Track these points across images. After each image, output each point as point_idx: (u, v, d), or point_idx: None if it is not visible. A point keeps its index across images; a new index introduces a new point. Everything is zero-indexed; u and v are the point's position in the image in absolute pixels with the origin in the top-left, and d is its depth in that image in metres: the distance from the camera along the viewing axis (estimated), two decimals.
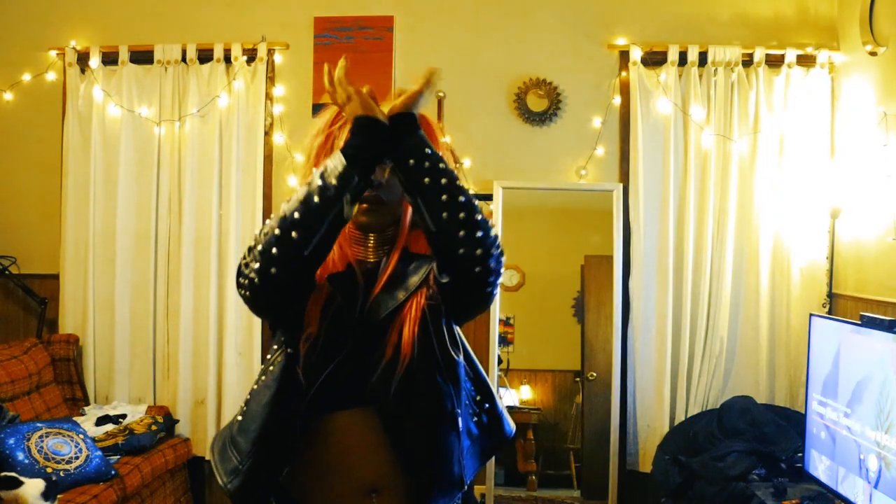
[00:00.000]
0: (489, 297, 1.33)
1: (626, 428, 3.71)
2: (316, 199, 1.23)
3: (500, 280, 1.33)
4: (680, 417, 3.64)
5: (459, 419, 1.37)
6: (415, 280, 1.35)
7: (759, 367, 3.64)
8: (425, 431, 1.32)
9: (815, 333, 2.93)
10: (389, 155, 1.27)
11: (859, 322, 2.64)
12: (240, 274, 1.28)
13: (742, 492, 2.89)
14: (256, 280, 1.25)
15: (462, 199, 1.25)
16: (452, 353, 1.37)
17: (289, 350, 1.32)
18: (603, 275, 3.83)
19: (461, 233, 1.24)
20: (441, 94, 3.73)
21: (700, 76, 3.67)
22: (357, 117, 1.27)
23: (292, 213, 1.23)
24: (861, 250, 3.37)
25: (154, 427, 3.47)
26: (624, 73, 3.75)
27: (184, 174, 3.82)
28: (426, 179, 1.25)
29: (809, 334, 2.97)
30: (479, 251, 1.25)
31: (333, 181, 1.23)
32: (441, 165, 1.26)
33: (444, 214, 1.24)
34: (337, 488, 1.31)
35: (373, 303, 1.34)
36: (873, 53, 3.25)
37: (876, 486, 2.43)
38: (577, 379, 4.23)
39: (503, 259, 1.31)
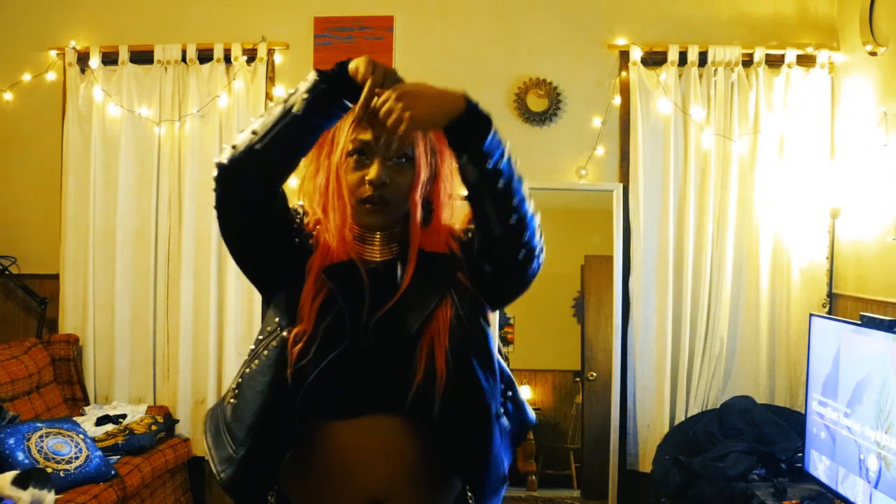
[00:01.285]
0: (532, 277, 1.30)
1: (626, 428, 3.71)
2: (277, 107, 1.24)
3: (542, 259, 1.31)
4: (680, 417, 3.63)
5: (503, 418, 1.35)
6: (438, 281, 1.29)
7: (759, 368, 3.64)
8: (473, 438, 1.28)
9: (815, 333, 2.93)
10: (458, 151, 1.22)
11: (859, 322, 2.64)
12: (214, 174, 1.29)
13: (742, 492, 2.90)
14: (215, 172, 1.26)
15: (522, 194, 1.24)
16: (490, 347, 1.32)
17: (284, 335, 1.26)
18: (603, 275, 3.83)
19: (524, 235, 1.24)
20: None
21: (700, 76, 3.67)
22: (368, 60, 1.23)
23: (257, 120, 1.26)
24: (861, 250, 3.37)
25: (154, 427, 3.47)
26: (624, 73, 3.75)
27: (184, 174, 3.82)
28: (500, 184, 1.21)
29: (809, 334, 2.97)
30: (526, 237, 1.24)
31: (293, 90, 1.24)
32: (513, 161, 1.24)
33: (514, 218, 1.23)
34: (338, 497, 1.26)
35: (396, 313, 1.27)
36: (873, 53, 3.25)
37: (876, 486, 2.43)
38: (577, 379, 4.24)
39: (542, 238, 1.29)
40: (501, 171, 1.22)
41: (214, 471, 1.32)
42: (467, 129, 1.20)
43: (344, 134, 1.29)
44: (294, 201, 1.39)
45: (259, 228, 1.29)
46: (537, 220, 1.27)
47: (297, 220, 1.36)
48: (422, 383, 1.23)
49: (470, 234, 1.34)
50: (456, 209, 1.37)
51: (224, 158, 1.25)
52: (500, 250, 1.26)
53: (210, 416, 1.42)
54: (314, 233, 1.35)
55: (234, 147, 1.25)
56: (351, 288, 1.28)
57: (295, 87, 1.25)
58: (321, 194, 1.33)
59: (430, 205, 1.35)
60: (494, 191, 1.22)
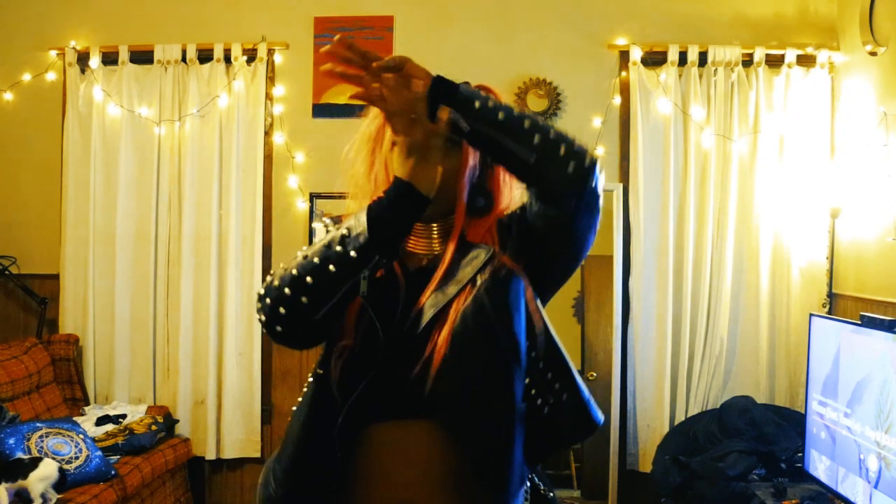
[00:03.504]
0: (587, 235, 1.23)
1: (626, 428, 3.71)
2: (332, 267, 1.15)
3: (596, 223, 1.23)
4: (680, 417, 3.64)
5: (546, 407, 1.25)
6: (468, 271, 1.22)
7: (759, 367, 3.64)
8: (489, 436, 1.20)
9: (815, 333, 2.93)
10: (453, 117, 1.15)
11: (859, 322, 2.64)
12: (257, 305, 1.23)
13: (742, 492, 2.89)
14: (265, 330, 1.21)
15: (537, 119, 1.16)
16: (516, 331, 1.21)
17: (320, 371, 1.24)
18: (603, 275, 3.83)
19: (562, 149, 1.13)
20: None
21: (700, 76, 3.67)
22: (398, 182, 1.16)
23: (304, 277, 1.16)
24: (861, 250, 3.37)
25: (154, 427, 3.47)
26: (624, 73, 3.75)
27: (184, 174, 3.82)
28: (500, 115, 1.14)
29: (809, 334, 2.97)
30: (586, 162, 1.15)
31: (353, 254, 1.14)
32: (503, 103, 1.17)
33: (537, 138, 1.13)
34: (368, 502, 1.24)
35: (419, 309, 1.22)
36: (873, 53, 3.25)
37: (876, 486, 2.43)
38: None
39: (600, 182, 1.19)
40: (496, 108, 1.16)
41: None
42: (442, 97, 1.16)
43: (386, 144, 1.28)
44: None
45: (323, 338, 1.27)
46: (570, 135, 1.16)
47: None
48: (418, 377, 1.19)
49: (510, 216, 1.29)
50: (515, 199, 1.32)
51: (268, 322, 1.20)
52: (546, 175, 1.15)
53: (264, 467, 1.38)
54: None
55: (276, 313, 1.18)
56: (388, 296, 1.23)
57: (345, 236, 1.16)
58: (374, 187, 1.29)
59: (490, 195, 1.31)
60: (497, 123, 1.15)
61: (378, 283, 1.23)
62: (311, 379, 1.28)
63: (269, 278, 1.22)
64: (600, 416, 1.30)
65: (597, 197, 1.21)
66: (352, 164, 1.31)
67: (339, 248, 1.15)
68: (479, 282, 1.21)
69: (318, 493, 1.25)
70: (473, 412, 1.20)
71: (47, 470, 2.70)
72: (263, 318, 1.20)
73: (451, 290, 1.21)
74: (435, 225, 1.29)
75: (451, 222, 1.28)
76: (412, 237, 1.30)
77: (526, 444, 1.23)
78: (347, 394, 1.20)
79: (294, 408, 1.30)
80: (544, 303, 1.32)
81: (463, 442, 1.20)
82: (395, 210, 1.16)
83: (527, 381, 1.25)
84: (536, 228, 1.23)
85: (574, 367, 1.31)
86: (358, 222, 1.16)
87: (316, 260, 1.16)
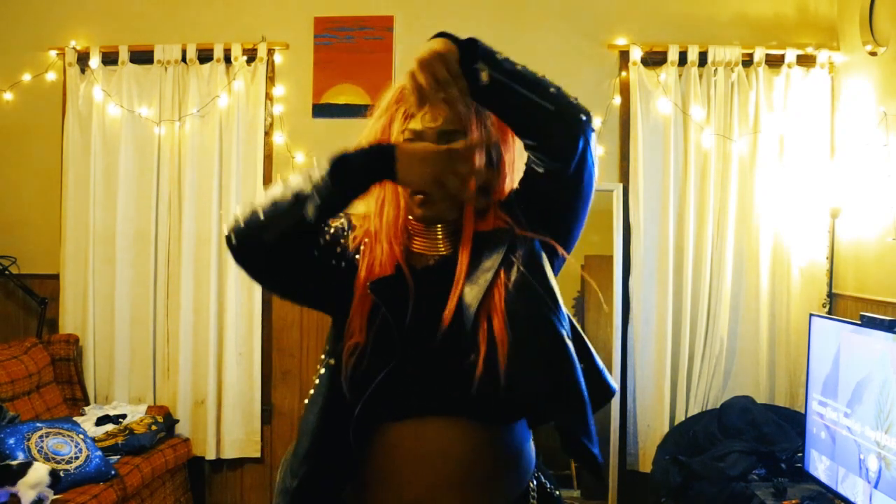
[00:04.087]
0: (588, 188, 1.29)
1: (626, 428, 3.71)
2: (287, 194, 1.22)
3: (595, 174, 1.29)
4: (680, 417, 3.63)
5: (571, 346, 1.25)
6: (495, 257, 1.24)
7: (759, 367, 3.64)
8: (572, 406, 1.21)
9: (815, 333, 2.93)
10: (477, 62, 1.18)
11: (859, 322, 2.64)
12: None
13: (742, 492, 2.89)
14: (227, 245, 1.26)
15: (545, 80, 1.24)
16: (558, 298, 1.25)
17: (331, 361, 1.27)
18: (603, 275, 3.82)
19: (570, 99, 1.23)
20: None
21: (700, 76, 3.67)
22: (387, 148, 1.23)
23: (269, 199, 1.23)
24: (861, 250, 3.37)
25: (154, 427, 3.47)
26: (624, 73, 3.75)
27: (184, 174, 3.81)
28: (518, 66, 1.21)
29: (809, 334, 2.97)
30: (582, 115, 1.24)
31: (306, 185, 1.21)
32: (521, 76, 1.22)
33: (552, 88, 1.22)
34: (382, 501, 1.26)
35: (457, 305, 1.23)
36: (873, 53, 3.25)
37: (876, 486, 2.43)
38: None
39: (593, 134, 1.27)
40: (514, 65, 1.22)
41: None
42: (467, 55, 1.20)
43: (397, 126, 1.29)
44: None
45: (305, 271, 1.29)
46: (573, 99, 1.25)
47: (342, 241, 1.35)
48: (483, 367, 1.19)
49: (509, 196, 1.34)
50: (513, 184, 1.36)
51: (234, 238, 1.25)
52: (561, 123, 1.22)
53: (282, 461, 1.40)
54: (362, 246, 1.33)
55: (239, 226, 1.24)
56: (398, 295, 1.25)
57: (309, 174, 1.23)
58: (377, 194, 1.33)
59: (489, 195, 1.32)
60: (519, 74, 1.21)
61: (387, 282, 1.25)
62: (322, 371, 1.29)
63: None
64: (614, 384, 1.33)
65: (590, 147, 1.26)
66: (367, 132, 1.34)
67: (299, 178, 1.23)
68: (513, 261, 1.24)
69: (332, 487, 1.27)
70: (553, 388, 1.21)
71: (37, 475, 2.64)
72: (227, 230, 1.25)
73: (485, 278, 1.23)
74: (440, 227, 1.31)
75: (456, 224, 1.30)
76: (416, 238, 1.32)
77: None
78: (360, 391, 1.22)
79: (306, 401, 1.31)
80: (569, 250, 1.36)
81: (547, 419, 1.25)
82: (365, 159, 1.23)
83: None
84: (541, 193, 1.29)
85: (588, 340, 1.33)
86: (325, 162, 1.23)
87: (279, 187, 1.24)
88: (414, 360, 1.23)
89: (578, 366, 1.22)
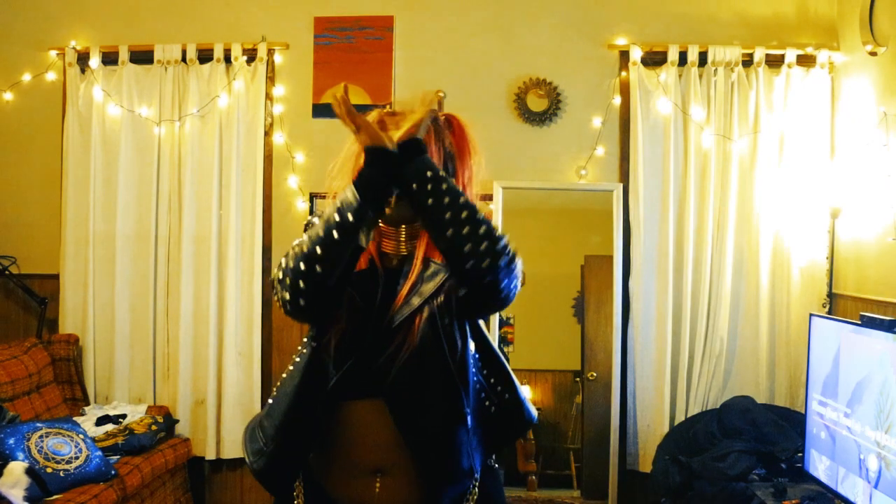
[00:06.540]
0: (505, 301, 1.39)
1: (626, 428, 3.71)
2: (335, 234, 1.31)
3: (518, 283, 1.38)
4: (680, 417, 3.64)
5: (469, 417, 1.44)
6: (429, 287, 1.43)
7: (759, 367, 3.64)
8: (436, 430, 1.41)
9: (815, 333, 2.93)
10: (395, 183, 1.34)
11: (859, 322, 2.64)
12: (274, 290, 1.39)
13: (742, 492, 2.90)
14: (289, 307, 1.36)
15: (465, 214, 1.31)
16: (460, 348, 1.43)
17: (314, 345, 1.43)
18: (603, 275, 3.82)
19: (467, 247, 1.30)
20: (441, 95, 3.73)
21: (700, 76, 3.67)
22: (367, 148, 1.34)
23: (315, 248, 1.32)
24: (861, 250, 3.37)
25: (154, 427, 3.47)
26: (624, 73, 3.75)
27: (184, 174, 3.82)
28: (429, 201, 1.31)
29: (809, 334, 2.97)
30: (486, 262, 1.30)
31: (350, 217, 1.31)
32: (444, 186, 1.32)
33: (449, 232, 1.30)
34: (348, 469, 1.44)
35: (396, 311, 1.42)
36: (873, 53, 3.25)
37: (876, 486, 2.43)
38: (577, 379, 4.23)
39: (517, 264, 1.35)
40: (428, 191, 1.32)
41: (247, 461, 1.49)
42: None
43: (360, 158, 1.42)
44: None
45: (335, 307, 1.42)
46: (500, 246, 1.31)
47: None
48: (391, 357, 1.40)
49: None
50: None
51: (292, 300, 1.34)
52: (463, 272, 1.33)
53: (249, 422, 1.59)
54: None
55: (296, 288, 1.33)
56: (367, 287, 1.44)
57: (339, 207, 1.33)
58: None
59: None
60: (424, 207, 1.32)
61: (362, 275, 1.44)
62: (304, 350, 1.47)
63: (281, 263, 1.37)
64: (534, 414, 1.56)
65: (506, 286, 1.36)
66: (334, 177, 1.50)
67: (337, 217, 1.32)
68: (434, 303, 1.42)
69: (303, 452, 1.46)
70: (422, 408, 1.41)
71: (13, 476, 2.62)
72: (287, 295, 1.35)
73: (415, 301, 1.42)
74: (402, 228, 1.47)
75: (417, 227, 1.46)
76: (384, 239, 1.48)
77: (482, 439, 1.49)
78: (338, 370, 1.40)
79: (284, 374, 1.50)
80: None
81: (407, 429, 1.40)
82: (374, 168, 1.34)
83: (478, 387, 1.49)
84: (461, 279, 1.40)
85: (512, 372, 1.55)
86: (347, 194, 1.34)
87: (321, 233, 1.33)
88: (377, 348, 1.41)
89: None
